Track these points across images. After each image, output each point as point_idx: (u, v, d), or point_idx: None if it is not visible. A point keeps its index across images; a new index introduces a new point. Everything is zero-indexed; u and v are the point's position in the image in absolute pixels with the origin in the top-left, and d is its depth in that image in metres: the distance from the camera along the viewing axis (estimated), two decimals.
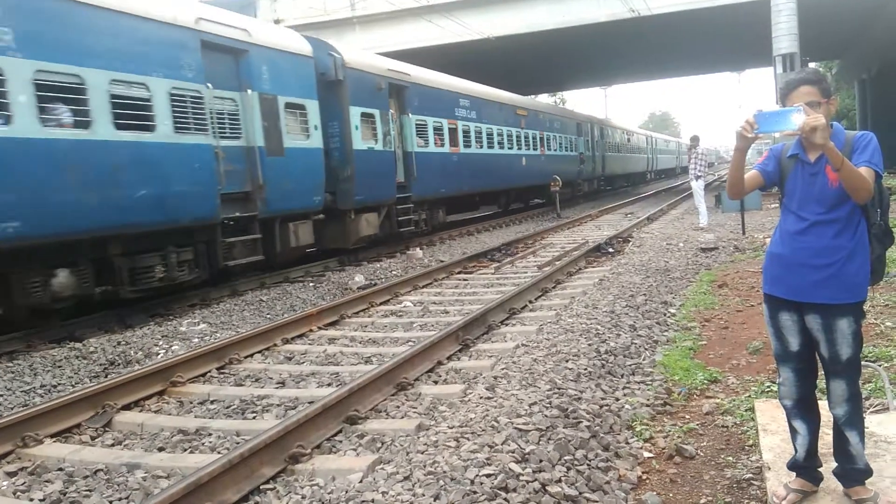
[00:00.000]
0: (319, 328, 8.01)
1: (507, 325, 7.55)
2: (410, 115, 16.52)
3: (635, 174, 47.46)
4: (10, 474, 4.35)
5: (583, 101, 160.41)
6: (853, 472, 3.08)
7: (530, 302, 8.59)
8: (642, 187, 45.68)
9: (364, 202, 14.21)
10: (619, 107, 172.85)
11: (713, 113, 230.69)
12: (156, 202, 9.20)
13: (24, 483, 4.19)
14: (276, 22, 24.15)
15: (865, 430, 3.12)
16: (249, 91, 11.04)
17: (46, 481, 4.18)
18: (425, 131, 17.32)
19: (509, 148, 23.28)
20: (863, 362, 3.16)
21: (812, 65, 33.12)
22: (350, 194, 13.78)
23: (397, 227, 15.82)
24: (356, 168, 13.87)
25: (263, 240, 11.34)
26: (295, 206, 12.11)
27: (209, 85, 10.19)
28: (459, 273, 11.88)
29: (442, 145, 18.19)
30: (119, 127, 8.70)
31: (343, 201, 13.71)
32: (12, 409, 5.74)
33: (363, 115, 14.34)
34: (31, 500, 3.96)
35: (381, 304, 9.31)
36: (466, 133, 19.79)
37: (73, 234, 8.28)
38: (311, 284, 11.50)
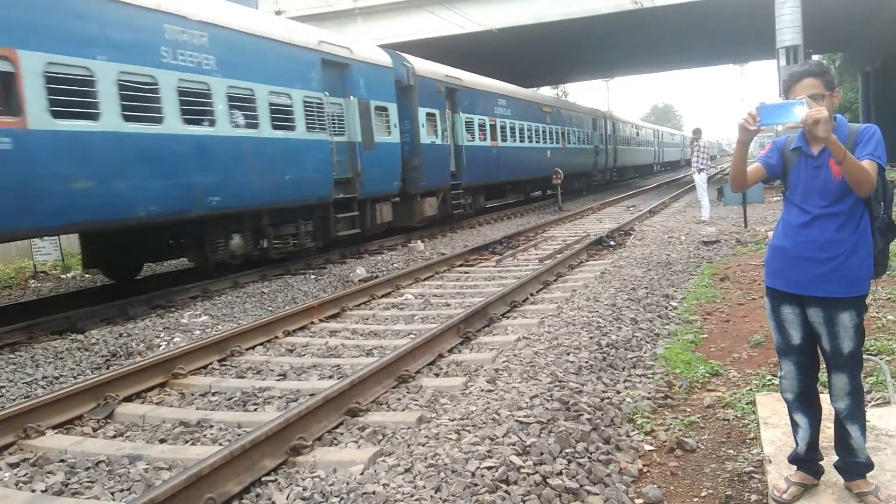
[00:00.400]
0: (321, 320, 8.02)
1: (508, 317, 7.55)
2: (461, 113, 19.35)
3: (644, 166, 50.17)
4: (13, 465, 4.35)
5: (585, 93, 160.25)
6: (854, 466, 3.08)
7: (532, 295, 8.58)
8: (647, 179, 46.98)
9: (427, 188, 17.20)
10: (622, 99, 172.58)
11: (716, 106, 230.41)
12: (295, 184, 12.11)
13: (27, 474, 4.19)
14: (278, 13, 24.06)
15: (867, 423, 3.12)
16: (351, 97, 13.95)
17: (48, 472, 4.19)
18: (472, 127, 20.20)
19: (537, 142, 26.21)
20: (864, 356, 3.15)
21: (815, 57, 33.03)
22: (418, 181, 16.68)
23: (451, 210, 18.69)
24: (422, 159, 16.83)
25: (360, 216, 14.19)
26: (381, 190, 15.05)
27: (326, 93, 13.09)
28: (461, 266, 11.87)
29: (485, 140, 21.05)
30: (274, 127, 11.69)
31: (412, 187, 16.53)
32: (14, 400, 5.75)
33: (427, 114, 17.31)
34: (34, 490, 3.96)
35: (382, 296, 9.31)
36: (503, 129, 22.66)
37: (247, 207, 11.26)
38: (312, 277, 11.50)
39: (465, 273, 11.13)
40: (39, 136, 7.95)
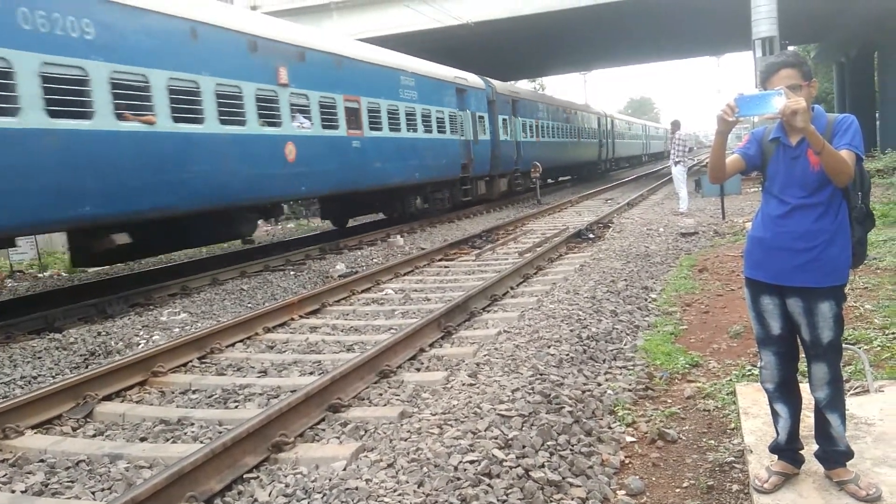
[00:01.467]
0: (301, 316, 7.98)
1: (488, 311, 7.56)
2: (518, 117, 26.26)
3: (635, 156, 58.37)
4: None
5: (562, 86, 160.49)
6: (834, 454, 3.12)
7: (512, 288, 8.60)
8: (635, 168, 52.87)
9: (502, 171, 24.20)
10: (599, 92, 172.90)
11: (693, 98, 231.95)
12: (444, 167, 19.64)
13: (6, 475, 4.14)
14: (253, 9, 23.86)
15: (846, 412, 3.15)
16: (467, 111, 21.31)
17: (28, 473, 4.14)
18: (525, 127, 27.16)
19: (563, 137, 33.44)
20: (843, 345, 3.18)
21: (791, 48, 33.26)
22: (497, 166, 23.51)
23: (514, 188, 25.67)
24: (500, 151, 23.73)
25: (468, 190, 21.36)
26: (479, 172, 22.08)
27: (456, 109, 20.50)
28: (441, 260, 11.87)
29: (533, 137, 28.08)
30: (438, 132, 19.24)
31: (493, 170, 23.26)
32: None
33: (502, 119, 24.41)
34: (13, 491, 3.91)
35: (362, 291, 9.29)
36: (543, 128, 29.87)
37: (426, 180, 18.57)
38: (291, 273, 11.45)
39: (445, 267, 11.12)
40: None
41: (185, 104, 10.13)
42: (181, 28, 10.27)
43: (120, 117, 9.11)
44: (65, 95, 8.27)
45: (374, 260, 12.47)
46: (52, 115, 8.19)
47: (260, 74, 11.90)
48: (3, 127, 7.73)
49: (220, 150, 10.92)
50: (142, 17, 9.55)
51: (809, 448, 3.24)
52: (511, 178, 25.24)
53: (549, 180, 34.42)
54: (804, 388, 3.26)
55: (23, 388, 6.06)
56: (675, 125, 18.04)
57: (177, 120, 10.02)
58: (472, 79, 22.52)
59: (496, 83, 24.58)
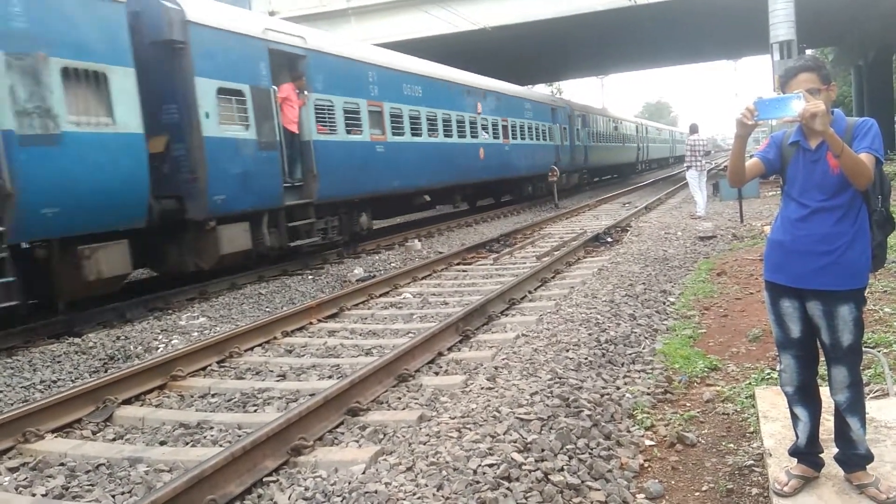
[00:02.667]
0: (319, 321, 8.01)
1: (507, 315, 7.56)
2: (586, 127, 33.20)
3: (663, 158, 65.78)
4: (12, 470, 4.35)
5: (579, 91, 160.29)
6: (854, 458, 3.09)
7: (530, 292, 8.59)
8: (655, 172, 55.87)
9: (567, 169, 28.88)
10: (616, 96, 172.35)
11: (710, 101, 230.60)
12: (541, 165, 25.62)
13: (26, 478, 4.19)
14: (271, 14, 23.99)
15: (866, 415, 3.13)
16: (556, 123, 28.55)
17: (48, 476, 4.18)
18: (590, 135, 34.13)
19: (614, 142, 40.83)
20: (863, 348, 3.16)
21: (809, 52, 33.02)
22: (573, 165, 30.50)
23: (581, 182, 32.67)
24: (576, 153, 31.13)
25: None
26: (565, 169, 27.95)
27: (550, 122, 27.81)
28: (458, 264, 11.87)
29: (594, 142, 34.77)
30: (536, 139, 26.42)
31: (567, 168, 28.98)
32: (12, 404, 5.74)
33: (576, 130, 31.50)
34: (34, 495, 3.96)
35: (380, 296, 9.31)
36: (601, 135, 37.03)
37: (528, 174, 25.65)
38: (309, 277, 11.50)
39: (463, 271, 11.13)
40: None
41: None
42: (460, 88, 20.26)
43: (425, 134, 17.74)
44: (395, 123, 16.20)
45: (392, 264, 12.50)
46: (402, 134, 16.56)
47: (472, 107, 20.78)
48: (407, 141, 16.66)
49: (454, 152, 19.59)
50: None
51: (829, 451, 3.21)
52: (580, 174, 32.65)
53: (596, 179, 40.96)
54: (824, 391, 3.23)
55: (42, 392, 6.13)
56: (693, 129, 17.94)
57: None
58: (559, 99, 32.93)
59: (574, 101, 34.37)
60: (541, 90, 48.48)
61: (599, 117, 37.71)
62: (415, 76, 17.55)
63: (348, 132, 14.01)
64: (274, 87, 11.71)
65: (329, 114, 13.36)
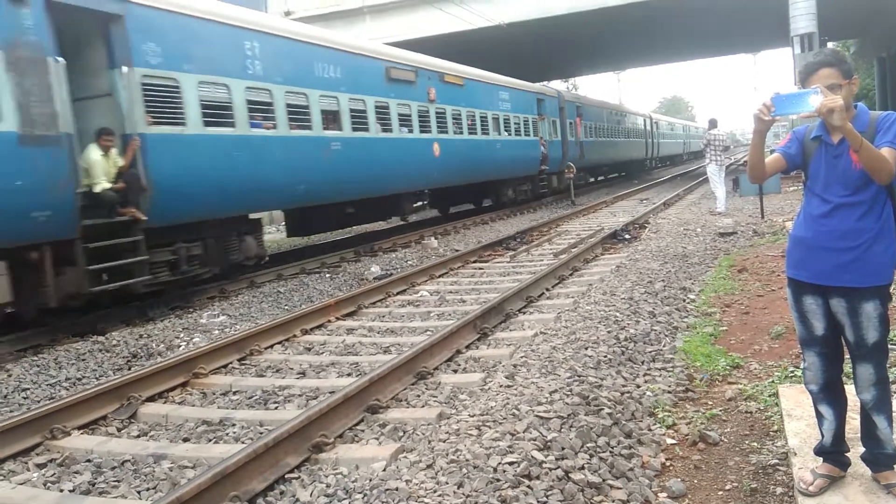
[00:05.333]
0: (338, 318, 8.05)
1: (524, 313, 7.55)
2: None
3: (676, 154, 63.68)
4: (40, 466, 4.42)
5: (595, 86, 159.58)
6: (881, 457, 3.06)
7: (547, 290, 8.57)
8: (670, 168, 55.06)
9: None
10: (633, 91, 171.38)
11: (729, 96, 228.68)
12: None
13: (54, 474, 4.25)
14: (287, 14, 24.10)
15: (894, 414, 3.10)
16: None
17: (75, 472, 4.25)
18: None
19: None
20: (889, 345, 3.12)
21: (830, 45, 32.62)
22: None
23: (577, 182, 28.84)
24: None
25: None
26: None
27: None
28: (475, 262, 11.87)
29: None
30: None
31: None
32: (39, 402, 5.82)
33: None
34: (62, 490, 4.01)
35: (397, 293, 9.33)
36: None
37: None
38: (327, 276, 11.54)
39: (480, 269, 11.13)
40: None
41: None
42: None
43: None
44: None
45: (409, 262, 12.52)
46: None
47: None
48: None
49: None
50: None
51: (855, 450, 3.18)
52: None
53: (600, 178, 39.73)
54: (849, 389, 3.21)
55: (68, 389, 6.20)
56: (712, 123, 17.82)
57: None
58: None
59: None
60: (557, 86, 48.42)
61: (599, 110, 34.32)
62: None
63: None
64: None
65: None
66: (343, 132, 13.31)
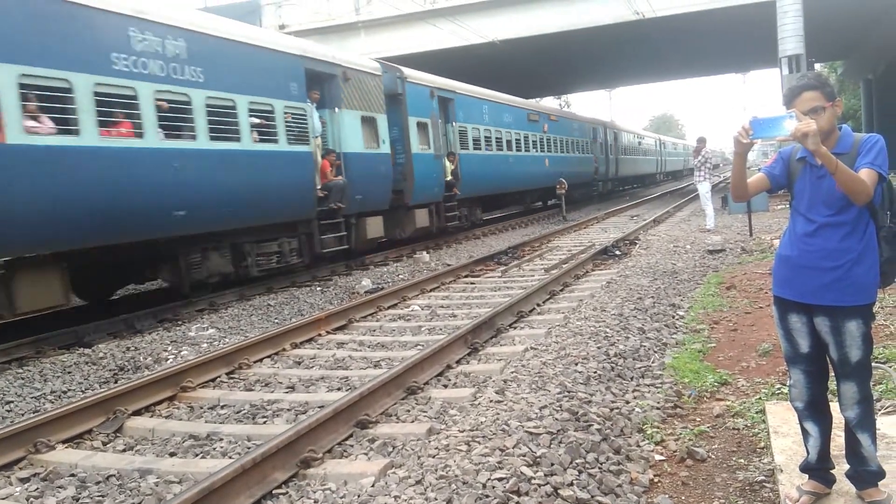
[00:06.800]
0: (328, 332, 8.03)
1: (515, 328, 7.56)
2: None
3: (647, 175, 66.64)
4: (23, 480, 4.37)
5: (587, 104, 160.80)
6: (866, 474, 3.08)
7: (538, 305, 8.59)
8: (644, 189, 54.44)
9: (603, 178, 36.63)
10: (623, 109, 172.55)
11: (718, 114, 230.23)
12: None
13: (37, 489, 4.20)
14: (281, 28, 24.21)
15: (877, 431, 3.12)
16: (607, 141, 37.86)
17: (59, 487, 4.20)
18: (623, 149, 41.01)
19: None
20: (873, 364, 3.15)
21: (817, 66, 32.97)
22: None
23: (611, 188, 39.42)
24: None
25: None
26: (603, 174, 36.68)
27: (593, 139, 35.29)
28: (466, 276, 11.89)
29: (627, 154, 42.10)
30: (579, 152, 32.72)
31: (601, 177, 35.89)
32: (23, 415, 5.77)
33: (610, 144, 37.93)
34: None
35: (388, 308, 9.33)
36: (634, 149, 44.13)
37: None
38: (318, 289, 11.52)
39: (471, 284, 11.14)
40: None
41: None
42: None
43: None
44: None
45: (400, 276, 12.52)
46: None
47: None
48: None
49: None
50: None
51: (840, 468, 3.20)
52: (613, 182, 42.12)
53: (626, 186, 48.51)
54: (835, 407, 3.23)
55: (53, 402, 6.16)
56: (701, 142, 17.95)
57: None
58: (600, 120, 38.92)
59: (608, 122, 40.89)
60: (548, 103, 50.08)
61: (628, 133, 43.75)
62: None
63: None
64: None
65: None
66: (513, 152, 23.71)
